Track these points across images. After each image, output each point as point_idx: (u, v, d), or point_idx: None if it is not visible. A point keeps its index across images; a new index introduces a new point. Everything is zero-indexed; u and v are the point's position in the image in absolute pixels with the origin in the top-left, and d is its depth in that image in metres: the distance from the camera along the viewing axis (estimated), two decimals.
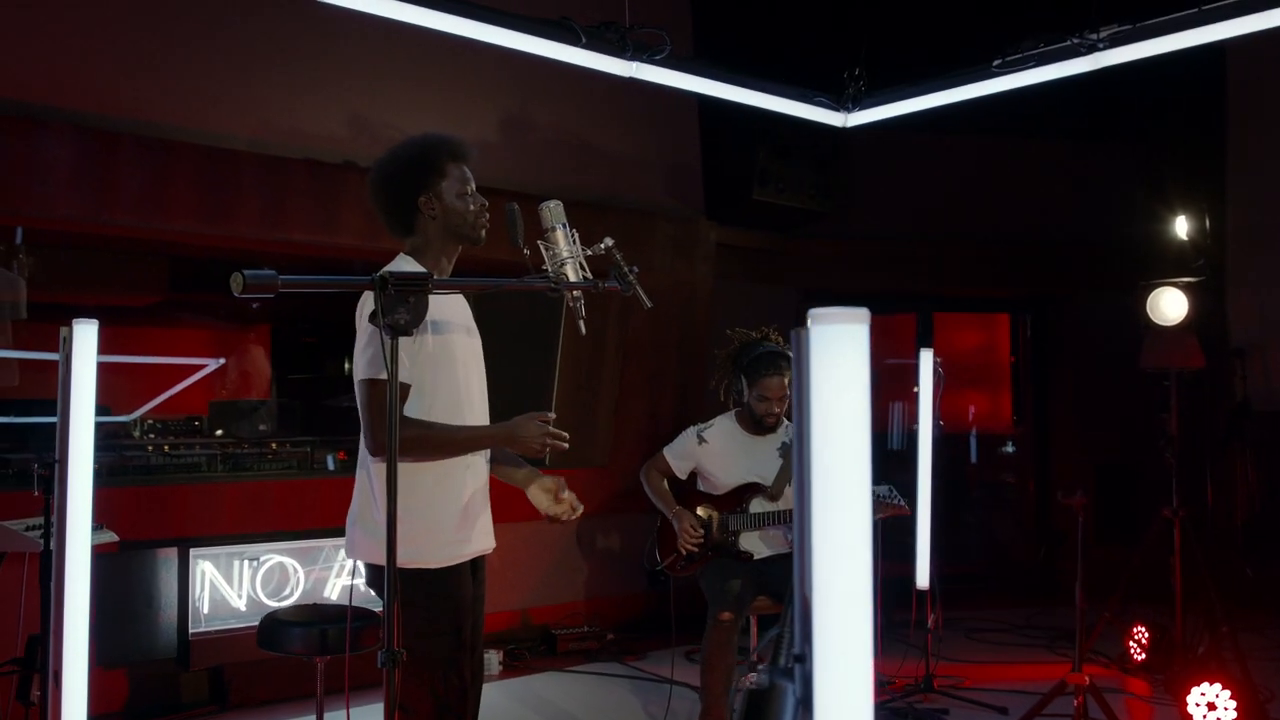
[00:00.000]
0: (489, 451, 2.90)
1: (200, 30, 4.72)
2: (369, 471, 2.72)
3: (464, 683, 2.67)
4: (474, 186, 2.87)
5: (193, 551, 4.71)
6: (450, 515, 2.72)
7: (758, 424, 4.10)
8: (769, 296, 7.18)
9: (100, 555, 4.52)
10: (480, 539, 2.83)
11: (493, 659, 5.42)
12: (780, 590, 4.01)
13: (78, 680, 2.46)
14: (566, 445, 2.80)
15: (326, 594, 5.07)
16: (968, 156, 7.53)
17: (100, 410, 7.44)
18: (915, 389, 4.98)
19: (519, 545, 6.02)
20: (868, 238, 7.39)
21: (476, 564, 2.86)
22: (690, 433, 4.22)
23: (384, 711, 2.18)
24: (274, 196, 4.98)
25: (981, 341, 8.73)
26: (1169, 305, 4.83)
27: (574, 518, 2.94)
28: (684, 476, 4.23)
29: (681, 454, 4.20)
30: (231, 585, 4.84)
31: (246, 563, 4.88)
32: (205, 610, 4.74)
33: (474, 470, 2.80)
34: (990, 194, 7.53)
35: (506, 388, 6.85)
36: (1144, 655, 5.34)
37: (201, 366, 8.34)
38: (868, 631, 1.05)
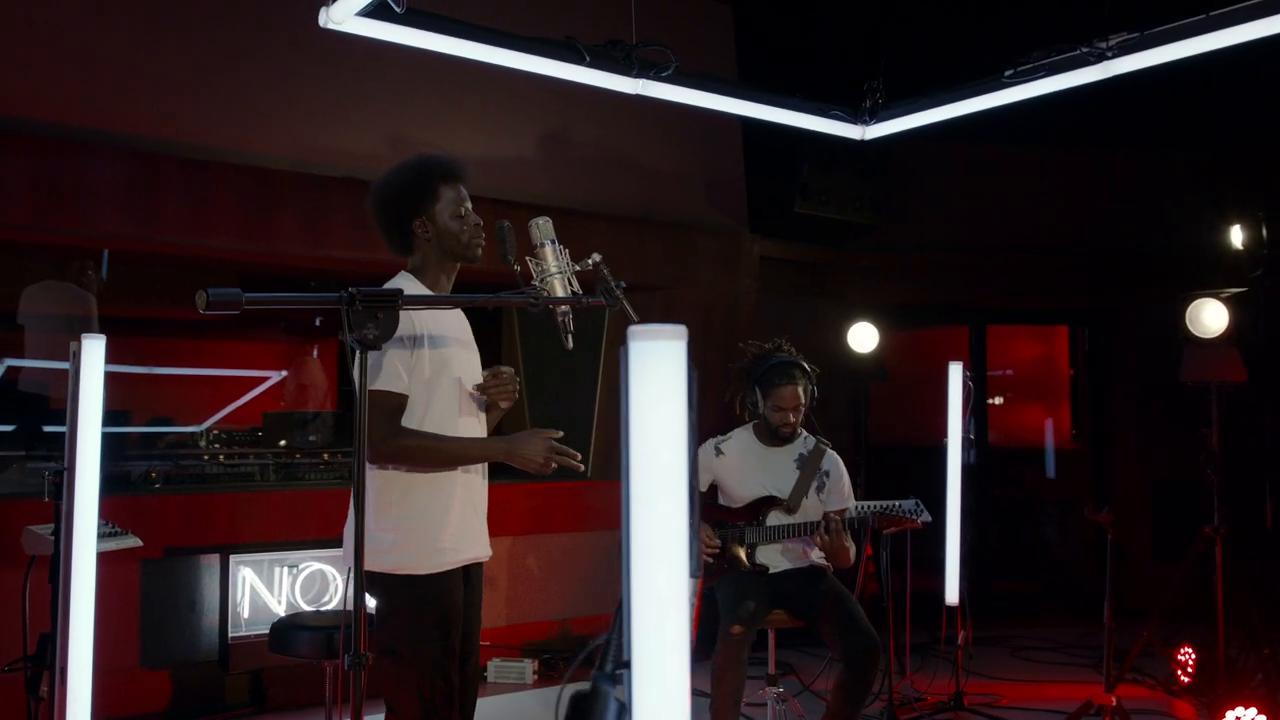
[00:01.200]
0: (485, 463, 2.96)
1: (241, 54, 4.90)
2: (367, 481, 2.80)
3: (451, 687, 2.73)
4: (469, 206, 2.93)
5: (233, 558, 4.87)
6: (440, 523, 2.77)
7: (774, 435, 4.11)
8: (815, 310, 7.16)
9: (145, 560, 4.76)
10: (472, 548, 2.88)
11: (527, 668, 5.49)
12: (797, 605, 4.00)
13: (82, 678, 2.58)
14: (580, 465, 2.83)
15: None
16: (1019, 166, 7.43)
17: (163, 421, 7.71)
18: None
19: (560, 556, 6.10)
20: (917, 249, 7.33)
21: (471, 573, 2.91)
22: (708, 445, 4.24)
23: (351, 713, 2.25)
24: (314, 214, 5.13)
25: (1040, 354, 8.59)
26: (1210, 317, 4.71)
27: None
28: (703, 489, 4.25)
29: (701, 466, 4.22)
30: (272, 591, 4.99)
31: (286, 569, 5.03)
32: (245, 615, 4.89)
33: (466, 480, 2.86)
34: (1043, 204, 7.42)
35: (553, 401, 6.98)
36: (1190, 677, 5.19)
37: (265, 379, 8.61)
38: (684, 635, 1.07)
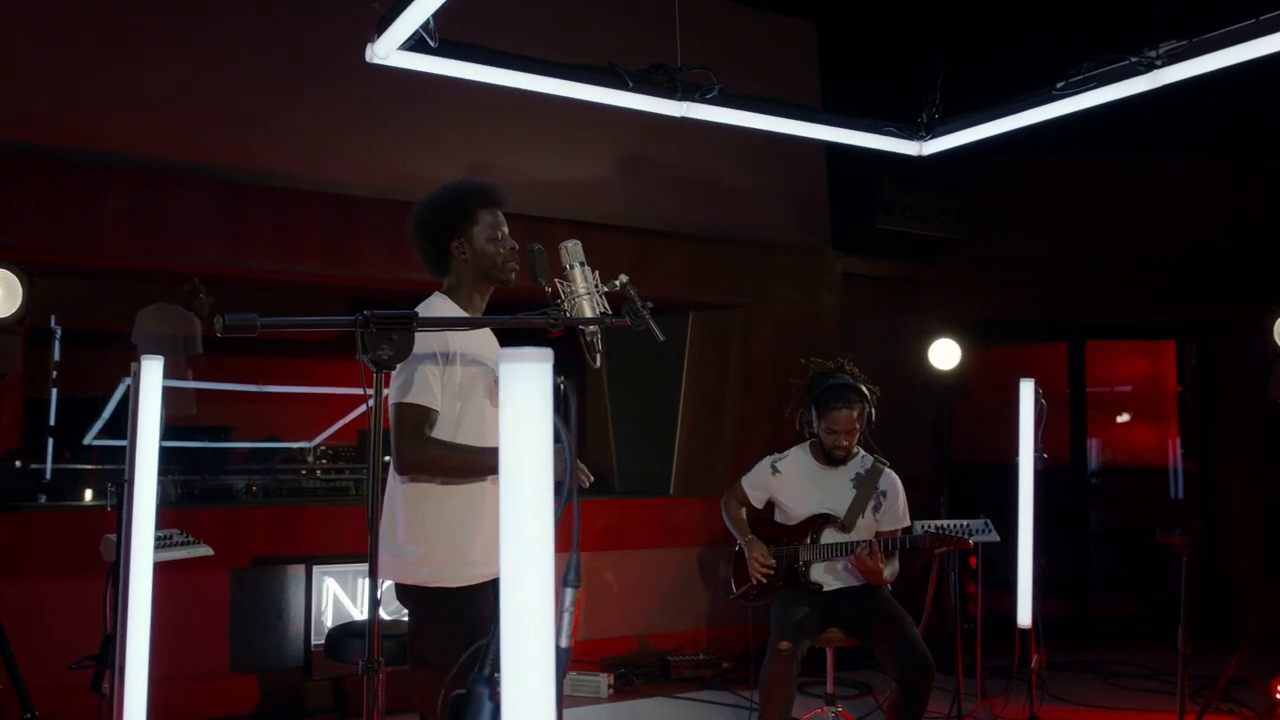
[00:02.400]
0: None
1: (323, 86, 5.13)
2: (394, 495, 2.92)
3: None
4: (506, 230, 3.03)
5: (316, 569, 5.08)
6: (469, 537, 2.85)
7: (828, 455, 4.10)
8: (899, 326, 7.07)
9: (235, 570, 5.02)
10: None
11: (602, 682, 5.56)
12: (852, 623, 3.98)
13: (139, 677, 2.76)
14: (590, 480, 2.91)
15: None
16: (1118, 177, 7.22)
17: (271, 438, 8.03)
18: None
19: (640, 572, 6.16)
20: (1008, 264, 7.17)
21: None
22: (765, 463, 4.26)
23: (365, 715, 2.35)
24: (395, 239, 5.32)
25: (1145, 370, 8.28)
26: None
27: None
28: (760, 506, 4.27)
29: (757, 484, 4.25)
30: (354, 601, 5.18)
31: (367, 580, 5.21)
32: (329, 623, 5.09)
33: (495, 495, 2.92)
34: (1145, 214, 7.19)
35: (634, 418, 7.05)
36: None
37: (369, 397, 8.87)
38: (547, 644, 1.13)
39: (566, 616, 1.43)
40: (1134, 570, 8.06)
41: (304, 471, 7.00)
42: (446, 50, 3.17)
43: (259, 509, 5.27)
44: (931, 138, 4.07)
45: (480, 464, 2.86)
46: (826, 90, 6.87)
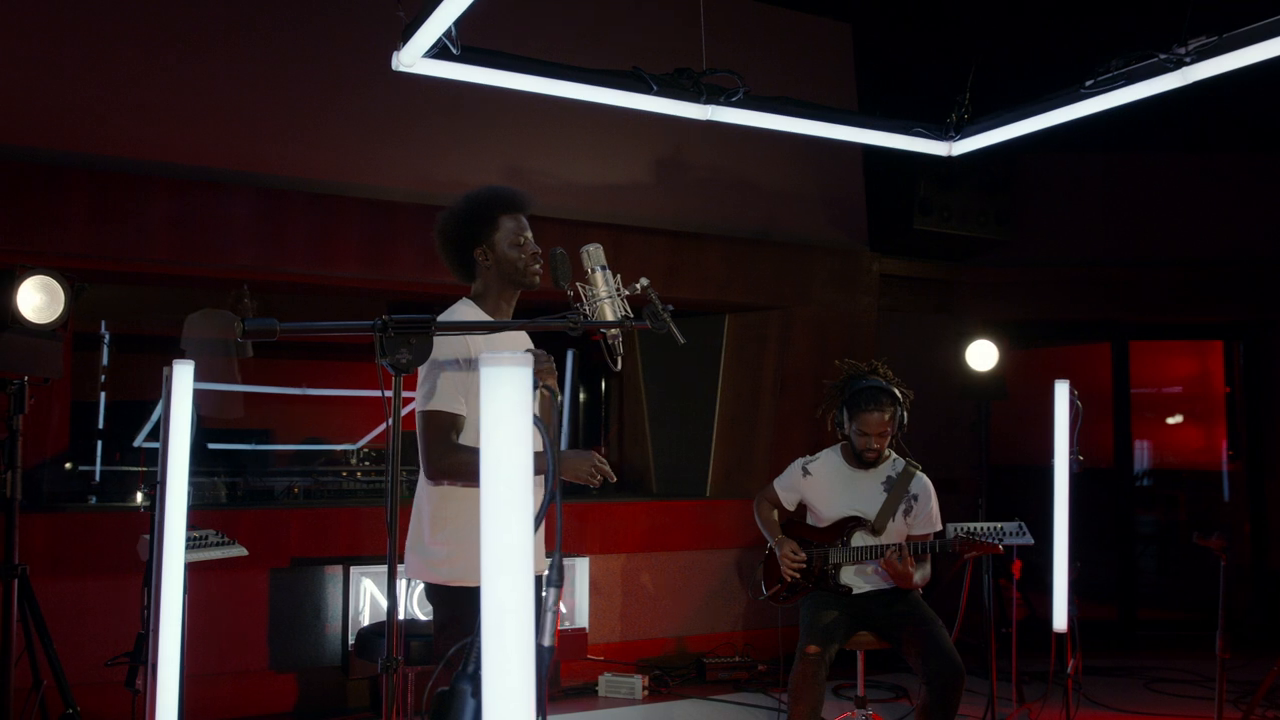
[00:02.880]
0: (540, 479, 3.05)
1: (360, 93, 5.20)
2: (420, 497, 2.96)
3: None
4: (529, 235, 3.05)
5: (354, 569, 5.15)
6: None
7: (859, 458, 4.09)
8: (937, 327, 7.03)
9: (274, 570, 5.10)
10: None
11: (637, 683, 5.58)
12: (882, 626, 3.97)
13: (170, 673, 2.82)
14: (614, 479, 2.93)
15: None
16: (1160, 173, 7.12)
17: (313, 440, 8.16)
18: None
19: (677, 574, 6.17)
20: (1050, 264, 7.10)
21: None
22: (796, 465, 4.26)
23: (385, 712, 2.39)
24: (430, 244, 5.37)
25: (1193, 371, 8.15)
26: None
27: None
28: (791, 508, 4.26)
29: (788, 485, 4.25)
30: None
31: (405, 581, 5.27)
32: (366, 623, 5.16)
33: None
34: (1187, 213, 7.07)
35: (672, 420, 7.06)
36: None
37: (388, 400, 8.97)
38: (527, 642, 1.15)
39: (549, 616, 1.45)
40: (1181, 574, 7.93)
41: (344, 474, 7.09)
42: (470, 57, 3.21)
43: (299, 510, 5.36)
44: (961, 138, 4.04)
45: None
46: (863, 91, 6.84)
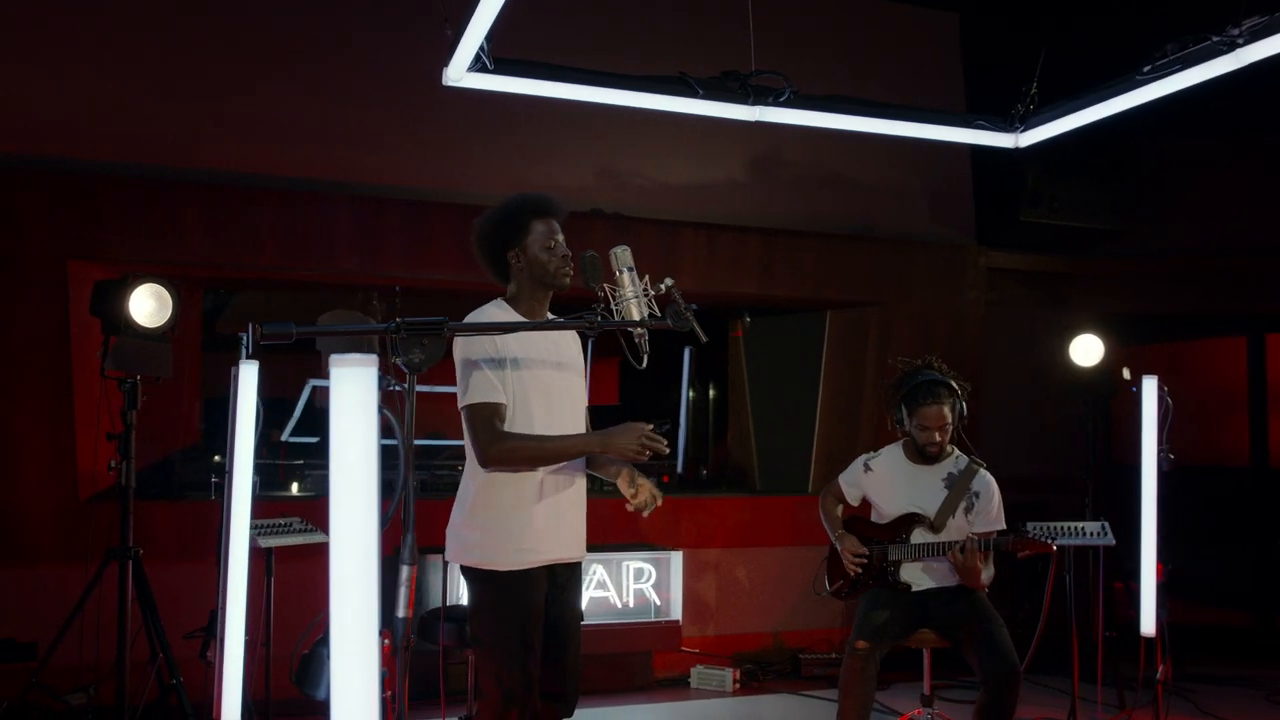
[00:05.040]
0: (581, 466, 3.17)
1: (451, 104, 5.41)
2: (466, 485, 3.13)
3: (528, 676, 2.95)
4: (560, 239, 3.16)
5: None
6: (522, 525, 3.01)
7: (921, 453, 4.07)
8: (1054, 322, 6.81)
9: (384, 559, 5.39)
10: (557, 549, 3.07)
11: (727, 676, 5.66)
12: (941, 624, 3.93)
13: (236, 645, 3.09)
14: (667, 449, 3.01)
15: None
16: None
17: (435, 435, 8.54)
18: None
19: (774, 568, 6.21)
20: (1174, 254, 6.79)
21: (558, 572, 3.11)
22: (859, 461, 4.26)
23: (393, 688, 2.56)
24: None
25: None
26: None
27: (654, 507, 3.06)
28: (855, 504, 4.27)
29: (851, 481, 4.25)
30: None
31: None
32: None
33: (552, 483, 3.06)
34: None
35: (775, 416, 7.10)
36: None
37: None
38: (370, 617, 1.27)
39: (403, 589, 1.57)
40: None
41: (458, 468, 7.36)
42: (508, 69, 3.36)
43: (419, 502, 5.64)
44: (1027, 129, 3.96)
45: (557, 449, 3.01)
46: (970, 81, 6.71)
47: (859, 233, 6.36)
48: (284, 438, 7.62)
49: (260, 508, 5.16)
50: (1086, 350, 5.73)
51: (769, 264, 6.16)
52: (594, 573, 5.58)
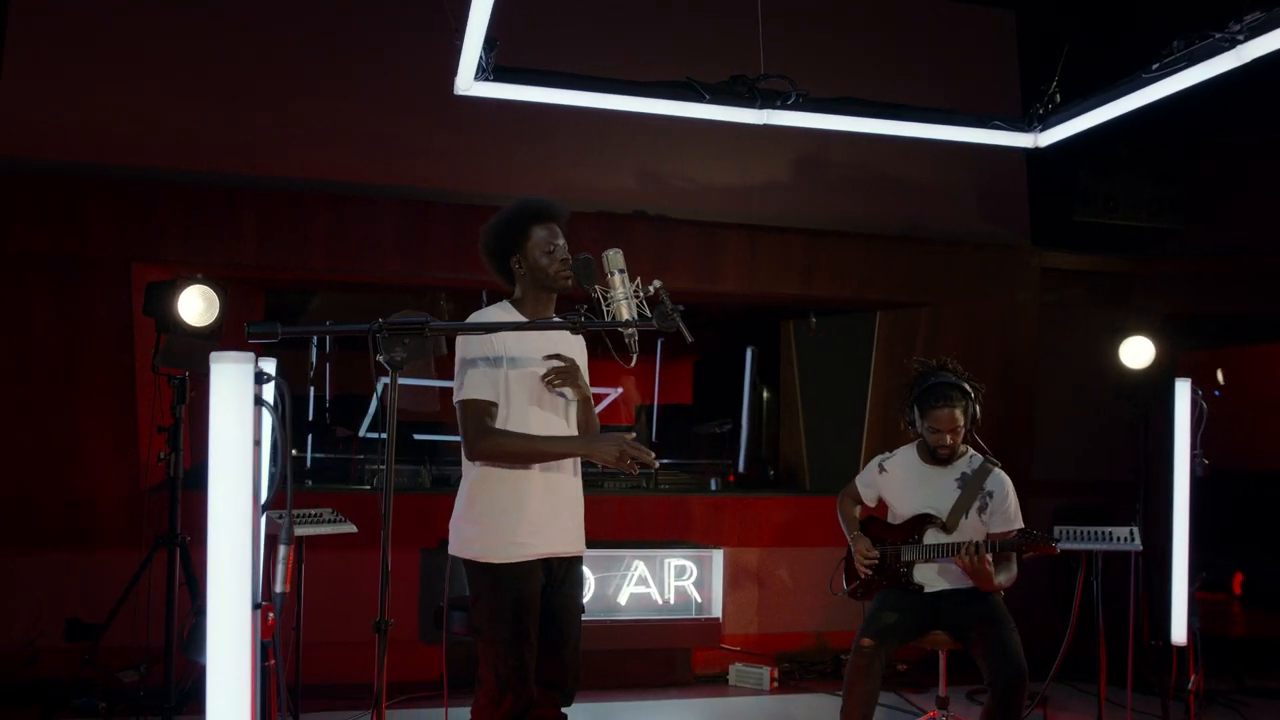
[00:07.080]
0: (577, 464, 3.27)
1: (493, 111, 5.59)
2: (464, 481, 3.25)
3: (523, 665, 3.06)
4: (560, 243, 3.27)
5: None
6: (517, 519, 3.11)
7: (933, 454, 4.07)
8: (1113, 322, 6.67)
9: (424, 550, 5.57)
10: (552, 543, 3.17)
11: (765, 674, 5.70)
12: (953, 626, 3.93)
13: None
14: (654, 462, 3.10)
15: (616, 598, 5.66)
16: None
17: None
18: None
19: (817, 568, 6.17)
20: (1238, 253, 6.59)
21: (554, 565, 3.21)
22: (874, 462, 4.27)
23: (377, 673, 2.68)
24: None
25: None
26: None
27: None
28: (871, 504, 4.28)
29: (867, 482, 4.27)
30: None
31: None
32: None
33: (547, 479, 3.16)
34: None
35: (825, 416, 7.09)
36: None
37: (605, 395, 9.45)
38: (243, 600, 1.38)
39: (280, 567, 1.69)
40: None
41: None
42: (508, 76, 3.47)
43: (444, 496, 5.81)
44: (1045, 129, 3.93)
45: (542, 449, 3.12)
46: (1027, 79, 6.62)
47: (906, 233, 6.33)
48: (360, 433, 7.87)
49: (307, 499, 5.42)
50: (1137, 352, 5.61)
51: (812, 265, 6.18)
52: (635, 568, 5.66)
